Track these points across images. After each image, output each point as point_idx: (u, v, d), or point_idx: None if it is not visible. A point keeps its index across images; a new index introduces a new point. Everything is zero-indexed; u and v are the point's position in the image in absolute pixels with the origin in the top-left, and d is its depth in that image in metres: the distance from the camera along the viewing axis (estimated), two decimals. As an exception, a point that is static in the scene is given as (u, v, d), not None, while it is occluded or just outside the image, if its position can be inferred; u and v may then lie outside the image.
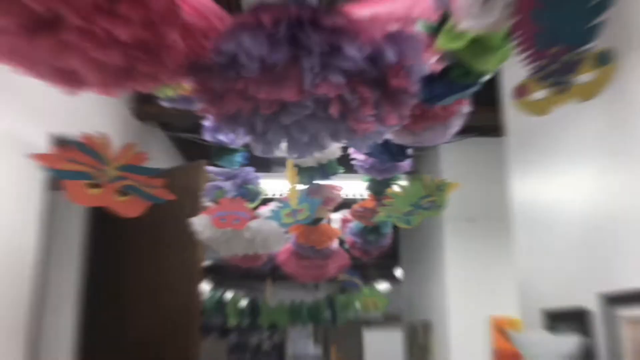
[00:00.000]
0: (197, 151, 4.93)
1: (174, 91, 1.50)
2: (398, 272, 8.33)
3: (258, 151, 1.10)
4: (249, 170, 2.58)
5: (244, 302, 7.95)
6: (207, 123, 2.47)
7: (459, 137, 5.20)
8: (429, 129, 1.57)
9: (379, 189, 2.65)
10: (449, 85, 1.30)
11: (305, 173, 2.37)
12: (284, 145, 1.09)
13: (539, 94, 0.97)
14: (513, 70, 3.34)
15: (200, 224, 2.63)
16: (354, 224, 3.03)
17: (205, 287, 8.78)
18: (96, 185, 1.27)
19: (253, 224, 2.54)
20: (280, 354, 12.61)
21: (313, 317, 7.98)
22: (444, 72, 1.29)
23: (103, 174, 1.27)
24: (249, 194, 2.55)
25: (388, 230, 3.00)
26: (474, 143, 5.08)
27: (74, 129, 3.50)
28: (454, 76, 1.28)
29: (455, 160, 4.91)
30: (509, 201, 3.40)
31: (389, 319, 12.16)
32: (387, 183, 2.63)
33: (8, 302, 2.61)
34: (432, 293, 5.38)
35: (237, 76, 0.94)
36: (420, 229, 5.98)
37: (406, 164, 2.51)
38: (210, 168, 2.60)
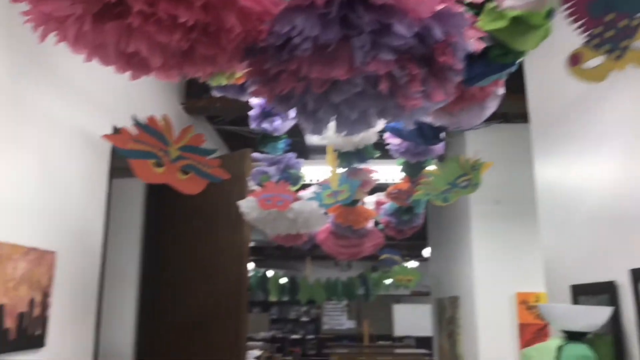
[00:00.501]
0: (240, 142, 4.94)
1: (227, 79, 1.47)
2: (426, 252, 8.25)
3: (308, 130, 1.06)
4: (291, 156, 2.56)
5: (283, 280, 8.02)
6: (252, 112, 2.45)
7: (485, 123, 5.10)
8: (465, 110, 1.51)
9: (412, 171, 2.59)
10: (487, 66, 1.24)
11: (343, 157, 2.33)
12: (333, 123, 1.05)
13: (594, 61, 0.91)
14: (536, 56, 3.22)
15: (247, 206, 2.62)
16: (389, 205, 2.98)
17: (249, 266, 8.89)
18: (160, 165, 1.25)
19: (295, 205, 2.51)
20: (317, 327, 12.69)
21: (347, 293, 7.99)
22: (483, 52, 1.23)
23: (166, 154, 1.25)
24: (291, 178, 2.53)
25: (421, 211, 2.95)
26: (498, 129, 4.96)
27: (131, 123, 3.54)
28: (493, 56, 1.22)
29: (481, 146, 4.81)
30: (534, 183, 3.31)
31: (416, 295, 12.11)
32: (421, 166, 2.58)
33: (83, 281, 2.65)
34: (460, 271, 5.30)
35: (291, 57, 0.91)
36: (447, 211, 5.90)
37: (439, 147, 2.45)
38: (256, 154, 2.58)
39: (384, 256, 4.01)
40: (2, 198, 2.00)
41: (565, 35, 1.12)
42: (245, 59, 0.99)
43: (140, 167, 1.26)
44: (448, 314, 5.66)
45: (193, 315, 3.50)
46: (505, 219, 4.85)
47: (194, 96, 4.37)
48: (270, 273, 8.10)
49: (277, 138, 2.49)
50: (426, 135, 2.31)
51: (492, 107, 1.58)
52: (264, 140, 2.48)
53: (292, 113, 1.05)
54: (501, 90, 1.58)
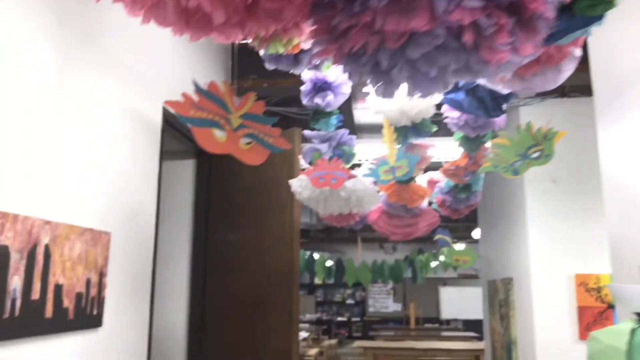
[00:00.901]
0: (288, 124, 4.87)
1: (284, 46, 1.39)
2: (475, 233, 8.05)
3: (379, 92, 0.97)
4: (344, 132, 2.47)
5: (329, 262, 8.01)
6: (304, 87, 2.37)
7: (540, 97, 4.85)
8: (540, 73, 1.39)
9: (471, 146, 2.47)
10: (571, 20, 1.12)
11: (399, 132, 2.23)
12: (406, 84, 0.95)
13: None
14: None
15: (299, 185, 2.55)
16: (445, 183, 2.86)
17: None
18: (221, 133, 1.19)
19: (349, 183, 2.43)
20: (362, 309, 12.67)
21: (394, 275, 7.93)
22: (568, 5, 1.11)
23: (227, 122, 1.18)
24: (344, 155, 2.44)
25: (479, 188, 2.82)
26: (554, 104, 4.73)
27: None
28: (579, 8, 1.09)
29: (535, 121, 4.59)
30: (598, 159, 3.13)
31: (463, 278, 11.92)
32: (480, 140, 2.45)
33: (137, 262, 2.65)
34: (513, 252, 5.13)
35: (364, 8, 0.82)
36: (500, 191, 5.71)
37: (501, 119, 2.32)
38: (307, 132, 2.51)
39: (438, 237, 3.90)
40: (57, 180, 1.99)
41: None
42: (312, 14, 0.90)
43: (203, 135, 1.20)
44: (500, 296, 5.50)
45: (244, 296, 3.49)
46: (562, 198, 4.64)
47: (241, 77, 4.32)
48: (316, 255, 8.10)
49: (330, 114, 2.40)
50: (487, 106, 2.18)
51: (568, 70, 1.44)
52: (316, 116, 2.40)
53: (356, 77, 0.96)
54: (579, 52, 1.44)
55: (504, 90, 2.12)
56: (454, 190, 2.80)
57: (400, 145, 2.14)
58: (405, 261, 8.08)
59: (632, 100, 2.74)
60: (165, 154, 3.96)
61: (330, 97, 2.29)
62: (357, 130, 3.97)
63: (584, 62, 3.89)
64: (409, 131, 2.27)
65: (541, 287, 4.58)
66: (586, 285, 4.47)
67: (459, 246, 8.57)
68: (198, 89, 1.24)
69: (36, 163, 1.87)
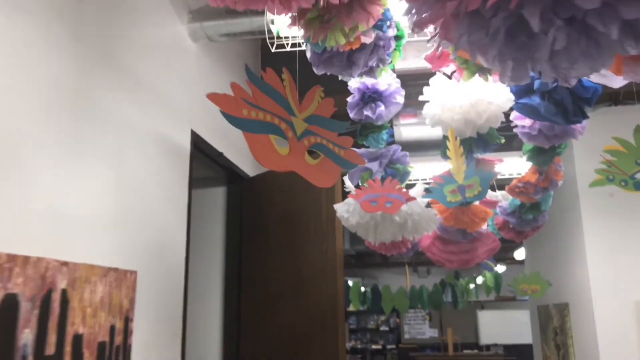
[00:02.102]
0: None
1: (345, 36, 1.10)
2: (518, 254, 7.59)
3: (507, 75, 0.67)
4: (396, 147, 2.15)
5: (363, 288, 7.62)
6: (351, 99, 2.07)
7: (592, 107, 4.47)
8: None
9: (543, 159, 2.13)
10: None
11: (464, 145, 1.91)
12: (545, 63, 0.64)
13: None
14: None
15: (346, 209, 2.24)
16: (508, 203, 2.51)
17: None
18: (283, 141, 0.87)
19: (404, 206, 2.10)
20: (397, 336, 12.17)
21: (434, 302, 7.51)
22: None
23: (290, 126, 0.86)
24: (397, 174, 2.12)
25: (548, 207, 2.46)
26: (607, 112, 4.35)
27: (220, 135, 3.26)
28: None
29: (589, 131, 4.21)
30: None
31: (501, 301, 11.36)
32: (555, 152, 2.11)
33: (167, 301, 2.37)
34: (568, 274, 4.70)
35: None
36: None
37: (581, 126, 1.98)
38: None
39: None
40: (76, 214, 1.71)
41: None
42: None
43: (260, 144, 0.88)
44: (555, 323, 5.05)
45: (283, 333, 3.15)
46: (621, 213, 4.22)
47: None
48: (350, 282, 7.73)
49: (380, 128, 2.09)
50: (568, 110, 1.85)
51: None
52: (365, 131, 2.09)
53: (477, 52, 0.65)
54: None
55: (593, 88, 1.79)
56: (520, 210, 2.46)
57: (468, 161, 1.81)
58: (443, 285, 7.64)
59: None
60: (195, 182, 3.70)
61: (381, 108, 1.98)
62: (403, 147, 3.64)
63: None
64: (474, 144, 1.95)
65: (604, 314, 4.14)
66: (656, 310, 4.01)
67: (499, 268, 8.11)
68: (251, 78, 0.92)
69: (49, 195, 1.60)
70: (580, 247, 4.32)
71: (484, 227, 2.75)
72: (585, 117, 1.88)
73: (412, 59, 2.97)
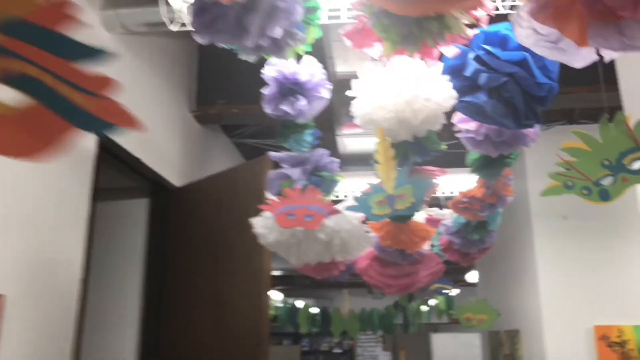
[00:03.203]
0: (261, 155, 4.17)
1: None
2: (471, 276, 7.33)
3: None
4: (322, 152, 1.81)
5: (315, 310, 7.24)
6: (267, 91, 1.72)
7: (546, 125, 4.23)
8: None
9: (491, 171, 1.81)
10: None
11: (398, 149, 1.57)
12: None
13: None
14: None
15: (263, 224, 1.87)
16: (452, 220, 2.19)
17: (277, 296, 8.13)
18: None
19: (330, 221, 1.75)
20: (351, 358, 11.77)
21: (385, 325, 7.16)
22: None
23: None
24: (323, 184, 1.77)
25: (496, 227, 2.15)
26: (562, 131, 4.13)
27: (139, 139, 2.86)
28: None
29: (542, 150, 3.97)
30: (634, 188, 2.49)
31: (455, 323, 11.12)
32: (504, 162, 1.80)
33: (53, 325, 1.94)
34: (520, 299, 4.42)
35: None
36: (502, 228, 5.04)
37: (534, 132, 1.68)
38: (273, 153, 1.84)
39: (435, 286, 3.20)
40: None
41: None
42: None
43: None
44: (506, 350, 4.76)
45: (205, 352, 2.75)
46: (574, 237, 3.98)
47: (207, 102, 3.68)
48: (300, 304, 7.33)
49: (303, 127, 1.75)
50: (518, 111, 1.54)
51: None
52: (284, 131, 1.74)
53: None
54: None
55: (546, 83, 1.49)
56: (465, 229, 2.14)
57: (400, 169, 1.47)
58: (396, 308, 7.32)
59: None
60: (110, 193, 3.27)
61: (302, 103, 1.64)
62: (343, 162, 3.29)
63: (595, 82, 3.27)
64: (410, 149, 1.62)
65: (555, 342, 3.86)
66: (608, 339, 3.76)
67: (453, 291, 7.84)
68: None
69: None
70: (532, 271, 4.05)
71: (427, 247, 2.42)
72: (538, 120, 1.57)
73: (355, 61, 2.66)
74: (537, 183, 4.07)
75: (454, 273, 8.97)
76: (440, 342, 10.75)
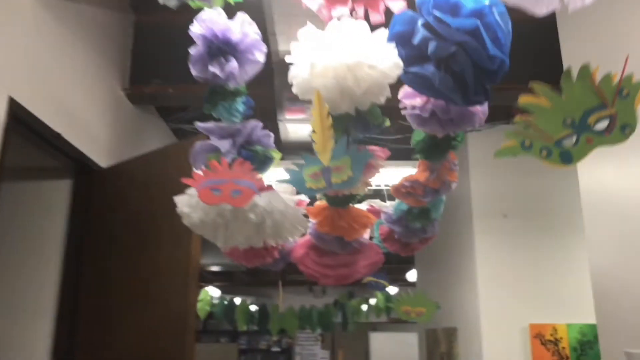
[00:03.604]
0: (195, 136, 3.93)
1: None
2: (411, 275, 7.31)
3: None
4: (256, 124, 1.63)
5: (253, 308, 7.02)
6: (194, 51, 1.52)
7: (489, 124, 4.19)
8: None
9: (436, 152, 1.69)
10: None
11: (337, 123, 1.42)
12: None
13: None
14: (574, 41, 2.42)
15: (187, 203, 1.67)
16: (394, 208, 2.06)
17: (215, 292, 7.85)
18: None
19: (261, 199, 1.58)
20: (288, 358, 11.59)
21: (323, 322, 7.03)
22: None
23: None
24: (255, 159, 1.60)
25: (439, 215, 2.03)
26: (504, 130, 4.12)
27: (61, 112, 2.60)
28: None
29: (484, 150, 3.95)
30: (579, 189, 2.45)
31: (394, 323, 11.13)
32: (450, 143, 1.68)
33: None
34: (458, 297, 4.38)
35: None
36: (442, 226, 5.01)
37: (482, 111, 1.56)
38: (200, 124, 1.64)
39: (368, 279, 3.07)
40: None
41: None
42: None
43: None
44: (442, 348, 4.71)
45: (126, 349, 2.50)
46: (514, 236, 3.97)
47: (141, 81, 3.42)
48: (237, 300, 7.09)
49: (234, 94, 1.56)
50: (467, 86, 1.41)
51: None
52: (213, 97, 1.55)
53: None
54: None
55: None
56: (407, 217, 2.01)
57: (339, 141, 1.31)
58: (335, 306, 7.19)
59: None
60: (24, 172, 2.97)
61: (233, 65, 1.45)
62: (285, 150, 3.13)
63: (540, 79, 3.26)
64: (351, 123, 1.46)
65: (492, 340, 3.83)
66: (542, 337, 3.76)
67: (391, 289, 7.80)
68: None
69: None
70: (472, 270, 4.02)
71: (366, 236, 2.28)
72: (487, 97, 1.45)
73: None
74: (479, 181, 4.04)
75: (394, 272, 8.97)
76: (379, 341, 10.74)
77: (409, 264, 6.99)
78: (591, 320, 3.74)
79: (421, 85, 1.44)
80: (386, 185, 3.33)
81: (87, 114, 2.86)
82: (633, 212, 2.07)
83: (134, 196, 2.74)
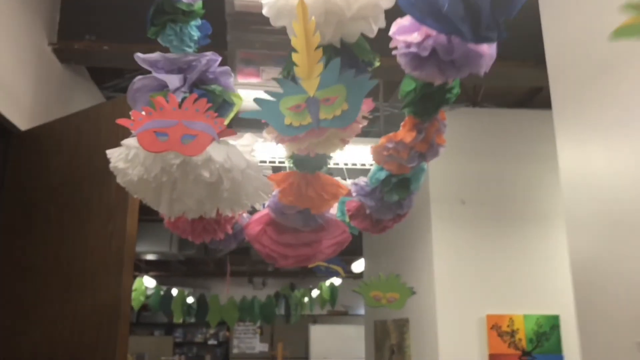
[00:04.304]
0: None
1: None
2: (357, 265, 7.08)
3: None
4: (213, 57, 1.29)
5: (190, 299, 6.61)
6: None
7: (449, 106, 3.98)
8: None
9: (428, 105, 1.41)
10: None
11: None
12: None
13: None
14: (555, 18, 2.23)
15: (123, 156, 1.31)
16: (370, 176, 1.76)
17: (150, 282, 7.35)
18: None
19: (217, 153, 1.24)
20: (225, 351, 11.17)
21: (265, 315, 6.72)
22: None
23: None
24: (213, 102, 1.26)
25: (418, 188, 1.76)
26: (465, 114, 3.93)
27: None
28: None
29: (448, 132, 3.74)
30: (559, 173, 2.25)
31: (334, 315, 10.95)
32: (444, 96, 1.40)
33: None
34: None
35: None
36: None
37: (490, 54, 1.29)
38: (140, 55, 1.28)
39: (321, 264, 2.76)
40: None
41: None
42: None
43: None
44: (392, 340, 4.50)
45: (46, 353, 2.09)
46: (471, 224, 3.79)
47: (72, 36, 2.97)
48: (174, 291, 6.65)
49: (186, 14, 1.22)
50: (481, 18, 1.14)
51: None
52: (159, 17, 1.20)
53: None
54: None
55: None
56: (383, 188, 1.73)
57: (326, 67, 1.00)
58: (277, 297, 6.89)
59: (592, 98, 1.98)
60: None
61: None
62: (236, 121, 2.76)
63: (507, 57, 3.01)
64: (335, 56, 1.16)
65: (447, 331, 3.64)
66: (499, 329, 3.61)
67: (336, 281, 7.56)
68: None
69: None
70: (428, 259, 3.80)
71: (332, 211, 1.99)
72: (500, 34, 1.19)
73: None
74: (437, 164, 3.82)
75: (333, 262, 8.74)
76: (319, 334, 10.53)
77: (354, 255, 6.76)
78: (548, 311, 3.63)
79: (424, 12, 1.15)
80: (345, 165, 3.05)
81: (4, 70, 2.41)
82: (618, 196, 1.88)
83: (58, 163, 2.32)
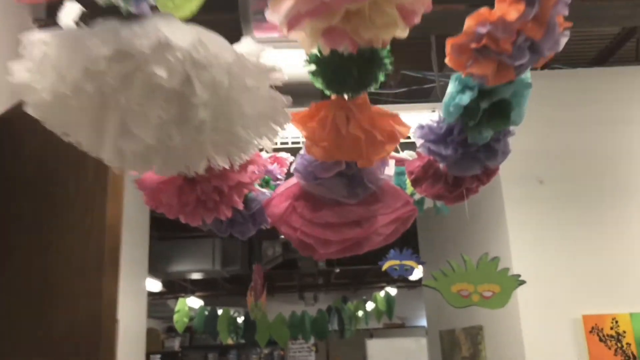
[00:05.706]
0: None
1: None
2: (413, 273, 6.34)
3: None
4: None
5: (240, 319, 6.07)
6: None
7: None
8: None
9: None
10: None
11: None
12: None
13: None
14: None
15: (29, 65, 0.74)
16: (445, 102, 1.12)
17: (196, 303, 6.90)
18: None
19: (178, 32, 0.65)
20: (281, 370, 10.57)
21: (318, 330, 6.09)
22: None
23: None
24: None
25: (522, 117, 1.10)
26: (538, 76, 3.23)
27: None
28: None
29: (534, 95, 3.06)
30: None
31: (390, 328, 10.21)
32: None
33: None
34: (483, 288, 3.47)
35: None
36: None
37: None
38: None
39: (389, 263, 2.12)
40: None
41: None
42: None
43: None
44: (464, 352, 3.78)
45: None
46: (555, 207, 3.06)
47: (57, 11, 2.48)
48: (219, 311, 6.13)
49: None
50: None
51: None
52: None
53: None
54: None
55: None
56: (464, 122, 1.07)
57: None
58: (329, 312, 6.26)
59: None
60: None
61: None
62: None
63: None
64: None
65: (533, 337, 2.91)
66: (600, 331, 2.85)
67: (391, 290, 6.85)
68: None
69: None
70: (503, 251, 3.09)
71: (390, 172, 1.35)
72: None
73: None
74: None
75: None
76: (377, 349, 9.79)
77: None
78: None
79: None
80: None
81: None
82: None
83: (30, 147, 1.79)
